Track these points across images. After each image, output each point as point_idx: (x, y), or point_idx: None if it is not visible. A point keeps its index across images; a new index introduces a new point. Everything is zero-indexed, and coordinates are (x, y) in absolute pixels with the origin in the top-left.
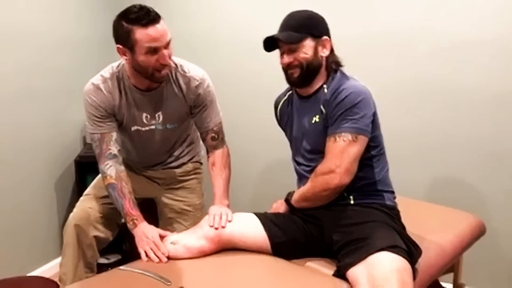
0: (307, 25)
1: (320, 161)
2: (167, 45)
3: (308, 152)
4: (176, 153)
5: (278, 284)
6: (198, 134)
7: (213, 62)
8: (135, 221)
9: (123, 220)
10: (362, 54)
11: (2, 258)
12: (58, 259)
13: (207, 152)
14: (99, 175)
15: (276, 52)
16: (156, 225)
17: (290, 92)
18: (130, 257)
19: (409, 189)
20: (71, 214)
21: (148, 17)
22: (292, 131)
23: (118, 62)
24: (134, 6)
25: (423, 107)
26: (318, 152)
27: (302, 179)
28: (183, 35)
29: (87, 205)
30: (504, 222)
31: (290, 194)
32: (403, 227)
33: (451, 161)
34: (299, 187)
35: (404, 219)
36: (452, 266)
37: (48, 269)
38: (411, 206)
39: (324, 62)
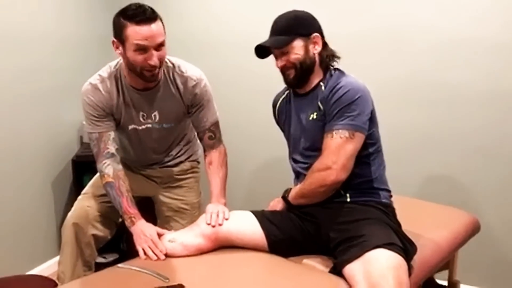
0: (294, 26)
1: (317, 158)
2: (158, 47)
3: (306, 149)
4: (173, 152)
5: (275, 281)
6: (195, 133)
7: (210, 62)
8: (133, 219)
9: (121, 219)
10: (355, 51)
11: (0, 257)
12: (56, 258)
13: (204, 151)
14: (97, 174)
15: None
16: (154, 223)
17: (288, 90)
18: (127, 256)
19: (402, 186)
20: (70, 213)
21: (143, 15)
22: (290, 129)
23: (116, 61)
24: (135, 4)
25: (415, 104)
26: (315, 150)
27: (299, 177)
28: (179, 35)
29: (86, 203)
30: (498, 219)
31: (287, 191)
32: (399, 225)
33: (444, 158)
34: (296, 185)
35: (400, 217)
36: (447, 263)
37: (46, 268)
38: (407, 204)
39: (317, 59)
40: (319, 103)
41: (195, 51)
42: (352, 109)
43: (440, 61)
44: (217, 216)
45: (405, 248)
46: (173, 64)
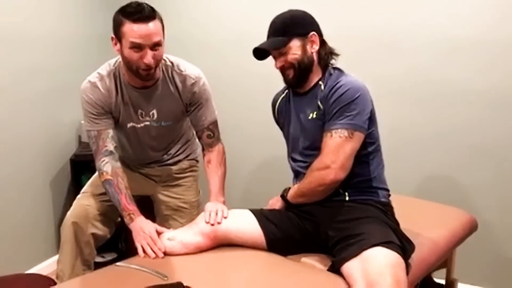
0: (290, 26)
1: (316, 157)
2: (154, 46)
3: (305, 149)
4: (172, 151)
5: (273, 280)
6: (194, 132)
7: (209, 62)
8: (132, 215)
9: (120, 218)
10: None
11: (0, 256)
12: (55, 257)
13: (203, 149)
14: (96, 173)
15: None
16: (153, 222)
17: (287, 89)
18: (125, 255)
19: (399, 184)
20: (69, 212)
21: (141, 14)
22: (290, 128)
23: (115, 59)
24: (136, 2)
25: (413, 102)
26: (315, 149)
27: (298, 176)
28: (178, 34)
29: (85, 202)
30: (496, 218)
31: (286, 190)
32: (397, 223)
33: (442, 156)
34: (295, 184)
35: (398, 216)
36: (444, 261)
37: (45, 267)
38: (405, 203)
39: (315, 58)
40: (318, 102)
41: (194, 51)
42: (352, 108)
43: (438, 59)
44: (216, 214)
45: (403, 246)
46: (172, 62)
